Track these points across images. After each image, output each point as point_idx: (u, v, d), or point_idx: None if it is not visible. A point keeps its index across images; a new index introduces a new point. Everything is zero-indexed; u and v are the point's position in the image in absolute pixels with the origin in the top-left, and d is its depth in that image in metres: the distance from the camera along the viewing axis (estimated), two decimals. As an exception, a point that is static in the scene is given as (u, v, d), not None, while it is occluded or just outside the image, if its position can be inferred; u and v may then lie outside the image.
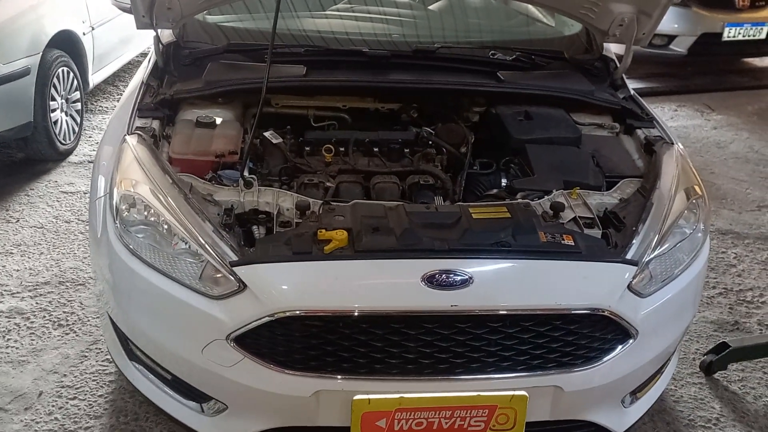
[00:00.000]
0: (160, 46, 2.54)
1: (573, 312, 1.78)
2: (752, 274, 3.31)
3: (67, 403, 2.34)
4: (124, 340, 2.04)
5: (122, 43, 5.01)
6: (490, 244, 1.81)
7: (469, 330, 1.75)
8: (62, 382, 2.43)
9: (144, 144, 2.09)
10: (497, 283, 1.81)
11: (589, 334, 1.81)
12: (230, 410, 1.87)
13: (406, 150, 2.37)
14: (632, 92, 2.68)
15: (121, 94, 3.22)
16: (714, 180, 4.36)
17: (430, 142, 2.39)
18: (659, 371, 2.12)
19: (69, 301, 2.87)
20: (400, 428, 1.77)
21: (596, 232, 1.98)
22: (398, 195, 2.17)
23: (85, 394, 2.38)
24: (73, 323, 2.73)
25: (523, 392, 1.78)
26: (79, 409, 2.32)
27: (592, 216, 2.03)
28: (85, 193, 3.78)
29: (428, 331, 1.74)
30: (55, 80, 3.99)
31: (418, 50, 2.63)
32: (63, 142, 4.16)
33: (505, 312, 1.76)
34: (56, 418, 2.28)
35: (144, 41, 5.30)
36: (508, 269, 1.83)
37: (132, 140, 2.11)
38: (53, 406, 2.33)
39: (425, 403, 1.76)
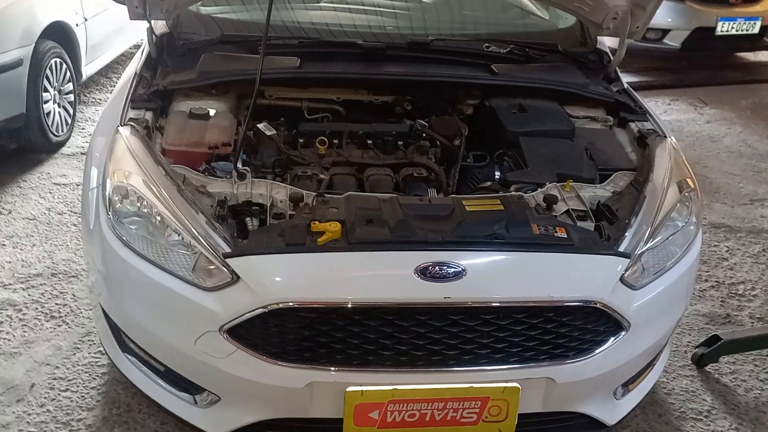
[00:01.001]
0: (154, 37, 2.53)
1: (565, 304, 1.79)
2: (744, 268, 3.33)
3: (59, 394, 2.34)
4: (116, 332, 2.03)
5: (116, 35, 4.98)
6: (484, 237, 1.82)
7: (462, 322, 1.75)
8: (54, 373, 2.42)
9: (137, 135, 2.08)
10: (490, 275, 1.81)
11: (582, 326, 1.82)
12: (223, 401, 1.87)
13: (400, 142, 2.36)
14: (626, 86, 2.68)
15: (114, 86, 3.20)
16: (707, 174, 4.37)
17: (424, 135, 2.38)
18: (651, 363, 2.13)
19: (61, 293, 2.86)
20: (393, 420, 1.78)
21: (589, 225, 1.98)
22: (392, 187, 2.17)
23: (78, 386, 2.37)
24: (65, 315, 2.72)
25: (515, 384, 1.78)
26: (71, 401, 2.31)
27: (585, 209, 2.04)
28: (77, 185, 3.76)
29: (421, 323, 1.74)
30: (47, 71, 3.97)
31: (413, 42, 2.62)
32: (56, 133, 4.14)
33: (498, 304, 1.76)
34: (48, 410, 2.27)
35: (138, 32, 5.27)
36: (501, 261, 1.84)
37: (125, 131, 2.10)
38: (45, 397, 2.32)
39: (418, 395, 1.76)
